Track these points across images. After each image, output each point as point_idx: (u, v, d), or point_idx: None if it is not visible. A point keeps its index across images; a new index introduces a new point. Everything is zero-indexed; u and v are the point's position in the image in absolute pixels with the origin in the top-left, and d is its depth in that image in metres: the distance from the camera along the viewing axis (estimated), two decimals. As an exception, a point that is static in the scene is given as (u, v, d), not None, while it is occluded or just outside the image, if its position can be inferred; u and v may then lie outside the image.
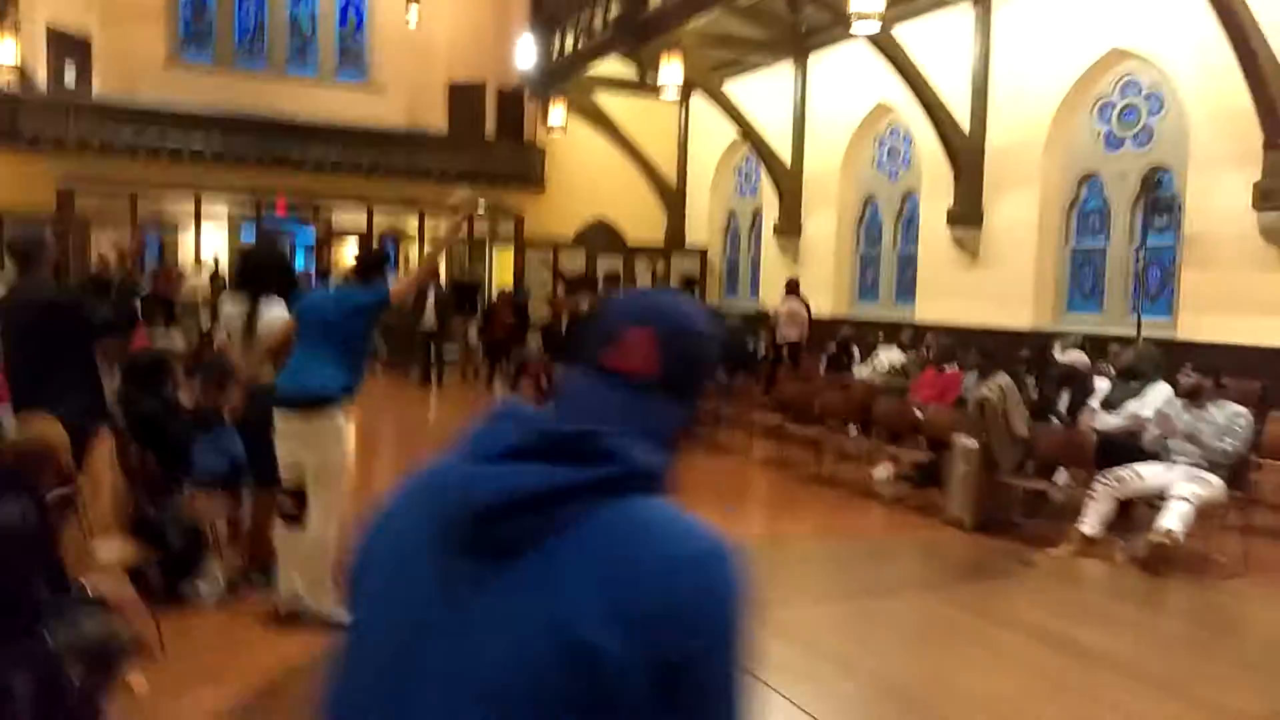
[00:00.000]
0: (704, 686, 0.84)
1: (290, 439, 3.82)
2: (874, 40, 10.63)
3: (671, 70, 11.93)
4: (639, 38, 12.95)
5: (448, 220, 4.17)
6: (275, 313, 4.12)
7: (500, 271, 15.52)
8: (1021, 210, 11.17)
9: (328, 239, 15.05)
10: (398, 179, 15.02)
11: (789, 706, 3.02)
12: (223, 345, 4.48)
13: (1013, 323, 10.97)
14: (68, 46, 14.13)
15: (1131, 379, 5.90)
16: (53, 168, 12.74)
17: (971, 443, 5.67)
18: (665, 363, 0.98)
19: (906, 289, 13.17)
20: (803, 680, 3.20)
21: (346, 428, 3.85)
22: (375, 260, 4.11)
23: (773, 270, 14.85)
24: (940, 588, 4.32)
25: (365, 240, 14.77)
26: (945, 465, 6.02)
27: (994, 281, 11.46)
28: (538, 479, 0.86)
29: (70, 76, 14.15)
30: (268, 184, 14.24)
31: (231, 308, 4.29)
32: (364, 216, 14.83)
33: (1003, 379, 5.93)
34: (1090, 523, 5.11)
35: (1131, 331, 9.20)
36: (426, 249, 4.31)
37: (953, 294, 11.94)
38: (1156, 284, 10.10)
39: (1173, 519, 4.66)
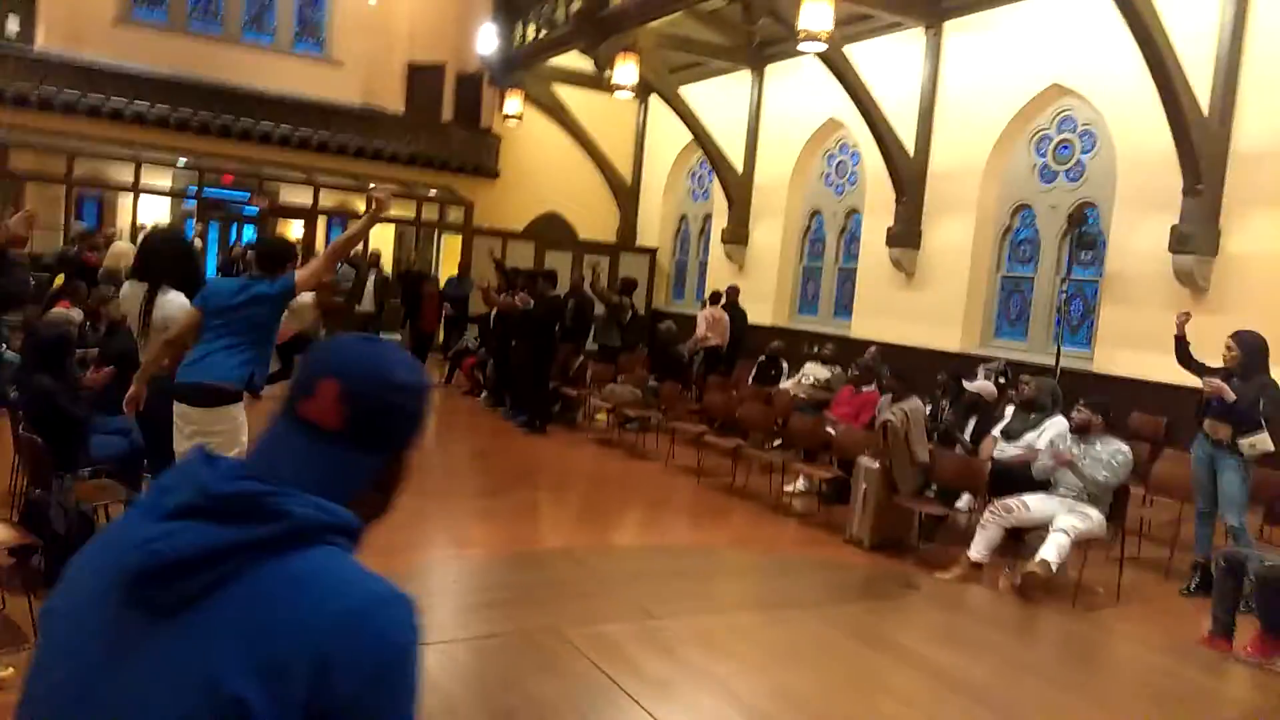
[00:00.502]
0: None
1: (188, 429, 3.82)
2: (825, 57, 10.81)
3: (626, 70, 11.99)
4: (599, 33, 12.98)
5: (365, 218, 4.20)
6: (174, 302, 4.10)
7: (447, 259, 15.43)
8: (957, 235, 11.45)
9: (271, 216, 14.83)
10: (349, 158, 14.85)
11: (645, 716, 3.14)
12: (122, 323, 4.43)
13: (942, 345, 11.27)
14: (12, -4, 13.73)
15: (1031, 411, 6.13)
16: (-13, 120, 12.39)
17: (873, 464, 5.85)
18: (350, 416, 1.00)
19: (846, 304, 13.42)
20: (663, 694, 3.32)
21: (245, 421, 3.87)
22: (279, 251, 4.12)
23: (719, 276, 14.98)
24: (820, 605, 4.47)
25: (310, 219, 14.60)
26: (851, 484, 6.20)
27: (927, 303, 11.74)
28: (193, 542, 0.91)
29: (12, 27, 13.75)
30: (213, 152, 13.99)
31: (130, 292, 4.25)
32: (310, 194, 14.63)
33: (909, 403, 6.12)
34: (978, 549, 5.31)
35: (1054, 361, 9.52)
36: (335, 241, 4.39)
37: (889, 312, 12.20)
38: (1078, 316, 10.45)
39: (1049, 550, 4.88)
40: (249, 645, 0.87)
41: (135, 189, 13.53)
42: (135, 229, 13.43)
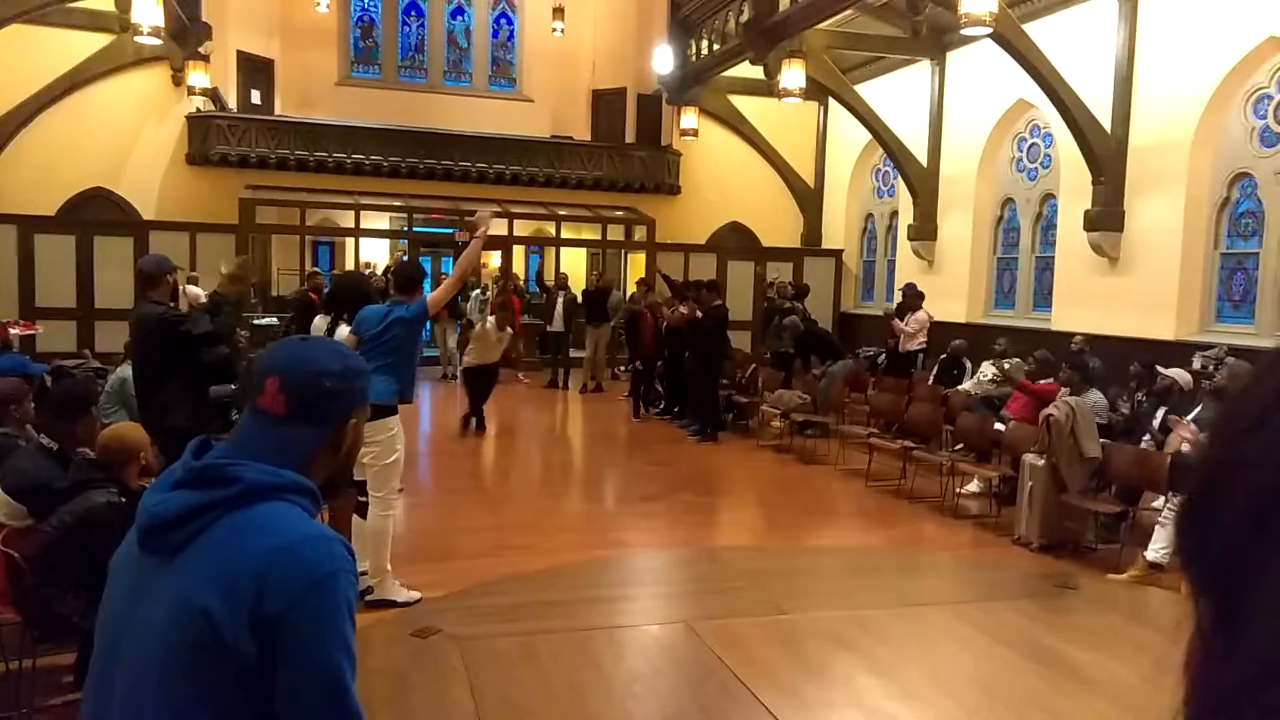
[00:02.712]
0: (294, 635, 1.17)
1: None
2: (1002, 38, 10.29)
3: (792, 75, 11.98)
4: (767, 41, 13.04)
5: (473, 241, 4.60)
6: (344, 333, 4.67)
7: (633, 277, 15.95)
8: (1165, 213, 10.49)
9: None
10: (539, 187, 15.75)
11: (757, 706, 3.24)
12: None
13: (1154, 333, 10.34)
14: (254, 70, 15.75)
15: (1222, 400, 5.58)
16: (237, 182, 14.27)
17: (1038, 461, 5.56)
18: (290, 402, 1.29)
19: (1045, 295, 12.62)
20: (777, 683, 3.40)
21: (400, 430, 4.36)
22: (411, 274, 4.60)
23: (907, 274, 14.50)
24: (960, 604, 4.33)
25: (506, 248, 15.60)
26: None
27: (1135, 288, 10.82)
28: (178, 502, 1.23)
29: (256, 97, 15.78)
30: (421, 193, 15.32)
31: (319, 324, 4.90)
32: (506, 224, 15.63)
33: (1082, 396, 5.77)
34: (1156, 549, 4.93)
35: (1285, 345, 8.51)
36: (458, 263, 4.94)
37: (1091, 301, 11.36)
38: (1316, 293, 9.28)
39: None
40: (213, 571, 1.19)
41: (357, 232, 15.08)
42: (359, 268, 14.95)
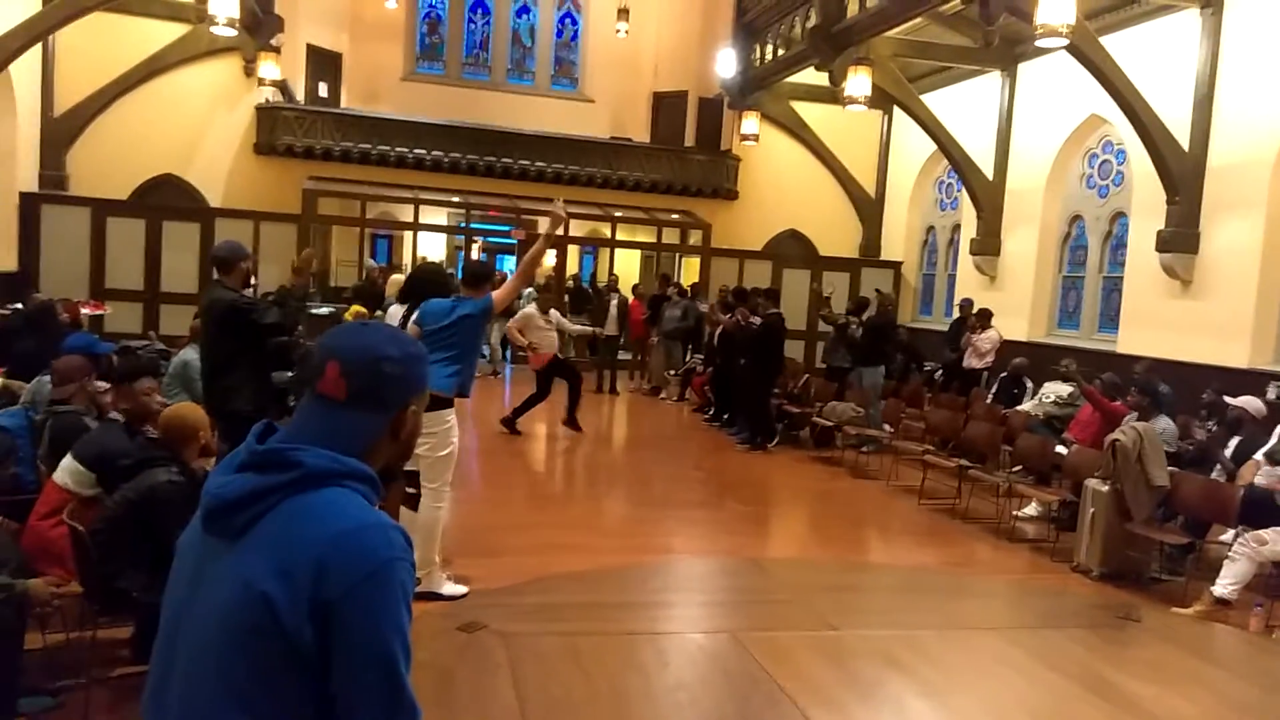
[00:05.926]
0: (351, 621, 1.16)
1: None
2: (1078, 50, 10.03)
3: (858, 82, 11.81)
4: (834, 48, 12.90)
5: (542, 238, 4.61)
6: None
7: (688, 282, 15.89)
8: (1243, 236, 10.12)
9: (529, 244, 16.04)
10: (596, 188, 15.75)
11: (803, 724, 3.17)
12: None
13: (1227, 360, 9.99)
14: (323, 62, 16.01)
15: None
16: (301, 173, 14.52)
17: (1102, 487, 5.38)
18: (351, 387, 1.27)
19: (1112, 317, 12.27)
20: (825, 700, 3.32)
21: (455, 423, 4.37)
22: (481, 271, 4.61)
23: (968, 289, 14.24)
24: (1012, 630, 4.19)
25: (560, 246, 15.65)
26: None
27: (1208, 313, 10.46)
28: (240, 486, 1.22)
29: (324, 89, 16.05)
30: (480, 190, 15.43)
31: (393, 312, 4.96)
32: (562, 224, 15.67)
33: (1150, 422, 5.57)
34: (1224, 584, 4.74)
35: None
36: (522, 260, 4.93)
37: (1161, 324, 11.01)
38: (1402, 325, 8.87)
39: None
40: (273, 556, 1.18)
41: (415, 226, 15.24)
42: (416, 262, 15.11)
